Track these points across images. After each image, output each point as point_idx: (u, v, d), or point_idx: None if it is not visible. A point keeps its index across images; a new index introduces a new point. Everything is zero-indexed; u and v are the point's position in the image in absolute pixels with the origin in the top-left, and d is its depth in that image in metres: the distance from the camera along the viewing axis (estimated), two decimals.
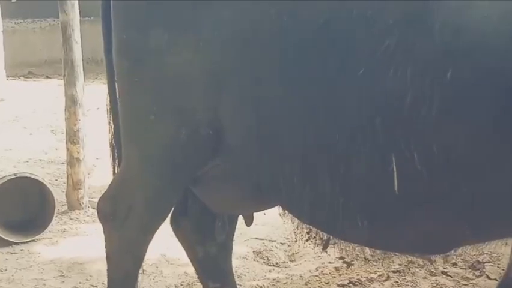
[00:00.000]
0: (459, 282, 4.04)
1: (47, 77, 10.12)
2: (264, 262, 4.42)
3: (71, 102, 5.21)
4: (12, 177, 4.68)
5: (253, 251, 4.53)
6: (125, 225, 2.83)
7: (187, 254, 3.26)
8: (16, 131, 7.33)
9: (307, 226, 2.76)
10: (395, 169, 2.26)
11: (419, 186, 2.29)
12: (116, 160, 3.07)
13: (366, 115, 2.28)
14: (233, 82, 2.48)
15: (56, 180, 5.78)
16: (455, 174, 2.24)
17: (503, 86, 2.16)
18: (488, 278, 4.03)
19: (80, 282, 4.09)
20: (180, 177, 2.77)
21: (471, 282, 4.04)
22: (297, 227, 2.81)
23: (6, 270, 4.27)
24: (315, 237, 2.86)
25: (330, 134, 2.36)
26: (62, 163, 5.60)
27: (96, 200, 3.09)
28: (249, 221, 3.11)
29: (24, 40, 10.69)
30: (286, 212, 2.74)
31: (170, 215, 3.12)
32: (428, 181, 2.26)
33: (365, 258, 4.24)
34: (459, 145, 2.22)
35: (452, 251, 2.64)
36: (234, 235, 3.25)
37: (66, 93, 5.23)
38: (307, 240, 2.91)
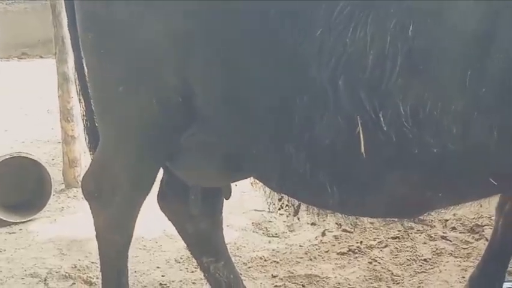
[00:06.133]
0: (458, 246, 4.04)
1: (41, 57, 10.06)
2: (263, 233, 4.42)
3: (64, 80, 5.16)
4: (8, 157, 4.66)
5: (252, 223, 4.53)
6: (110, 202, 2.81)
7: (177, 231, 3.23)
8: (11, 111, 7.29)
9: (279, 194, 2.71)
10: (361, 132, 2.20)
11: (387, 149, 2.23)
12: (90, 137, 3.03)
13: (329, 78, 2.22)
14: (200, 48, 2.43)
15: (53, 159, 5.77)
16: (423, 135, 2.18)
17: (469, 42, 2.10)
18: (488, 240, 4.02)
19: (79, 260, 4.08)
20: (158, 149, 2.72)
21: (471, 245, 4.04)
22: (269, 196, 2.76)
23: (5, 250, 4.27)
24: (287, 204, 2.81)
25: (293, 98, 2.31)
26: (58, 142, 5.57)
27: None
28: (227, 193, 3.07)
29: (16, 21, 10.58)
30: (257, 181, 2.70)
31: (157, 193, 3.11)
32: (395, 143, 2.20)
33: (363, 225, 4.25)
34: (425, 104, 2.14)
35: (425, 215, 2.60)
36: (222, 208, 3.20)
37: (58, 70, 5.17)
38: (279, 209, 2.85)
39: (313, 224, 4.29)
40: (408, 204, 2.43)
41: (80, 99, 3.00)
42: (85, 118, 3.01)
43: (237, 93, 2.43)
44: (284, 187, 2.58)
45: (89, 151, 3.08)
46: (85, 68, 2.82)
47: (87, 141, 3.07)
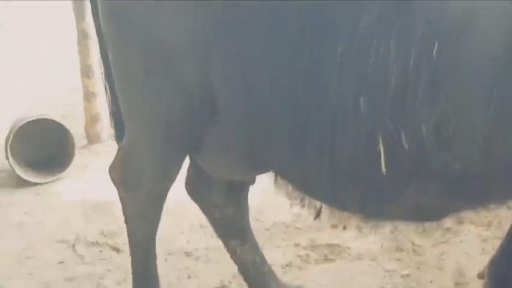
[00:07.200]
0: (479, 214, 4.00)
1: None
2: (285, 197, 4.42)
3: (83, 36, 5.11)
4: (30, 120, 4.69)
5: (275, 185, 4.52)
6: (136, 191, 2.85)
7: (204, 214, 3.27)
8: (24, 68, 7.20)
9: (300, 194, 2.73)
10: (382, 150, 2.20)
11: (408, 165, 2.23)
12: (116, 123, 3.03)
13: (350, 94, 2.19)
14: (221, 47, 2.39)
15: (74, 115, 5.77)
16: (445, 152, 2.17)
17: (492, 59, 2.06)
18: (509, 208, 4.01)
19: (106, 224, 4.16)
20: (182, 143, 2.72)
21: (492, 213, 4.02)
22: (291, 193, 2.76)
23: (32, 212, 4.35)
24: (308, 204, 2.82)
25: (315, 111, 2.29)
26: (80, 98, 5.57)
27: None
28: (252, 180, 3.09)
29: None
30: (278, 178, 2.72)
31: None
32: (417, 160, 2.20)
33: None
34: (448, 123, 2.12)
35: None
36: (247, 194, 3.22)
37: (77, 27, 5.12)
38: (302, 207, 2.86)
39: None
40: (430, 212, 2.46)
41: (105, 87, 2.99)
42: (111, 105, 3.00)
43: (258, 95, 2.40)
44: (306, 188, 2.60)
45: (115, 139, 3.08)
46: (110, 59, 2.78)
47: (113, 128, 3.08)
